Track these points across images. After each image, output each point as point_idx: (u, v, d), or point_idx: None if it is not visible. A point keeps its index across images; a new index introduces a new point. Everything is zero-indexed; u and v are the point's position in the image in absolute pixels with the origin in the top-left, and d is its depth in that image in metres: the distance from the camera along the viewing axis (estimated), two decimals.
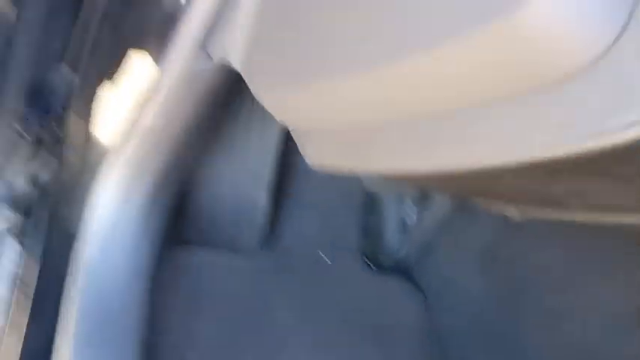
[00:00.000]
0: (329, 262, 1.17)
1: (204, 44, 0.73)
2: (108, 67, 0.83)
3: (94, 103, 0.86)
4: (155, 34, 0.76)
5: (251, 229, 1.10)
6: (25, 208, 0.90)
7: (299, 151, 0.65)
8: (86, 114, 0.87)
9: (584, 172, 0.42)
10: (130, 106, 0.80)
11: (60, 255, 0.86)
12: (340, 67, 0.51)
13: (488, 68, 0.39)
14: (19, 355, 0.82)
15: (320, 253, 1.20)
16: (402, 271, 1.28)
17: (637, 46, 0.33)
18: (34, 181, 0.90)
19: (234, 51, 0.70)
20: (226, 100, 0.86)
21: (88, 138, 0.88)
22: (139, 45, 0.79)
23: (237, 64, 0.70)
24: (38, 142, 0.88)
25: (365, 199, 1.28)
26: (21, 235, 0.89)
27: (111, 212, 0.83)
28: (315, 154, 0.62)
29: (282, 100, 0.62)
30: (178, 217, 0.98)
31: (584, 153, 0.36)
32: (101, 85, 0.85)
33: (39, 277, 0.87)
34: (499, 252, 1.15)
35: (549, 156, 0.38)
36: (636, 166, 0.39)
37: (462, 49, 0.39)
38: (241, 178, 1.06)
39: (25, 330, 0.84)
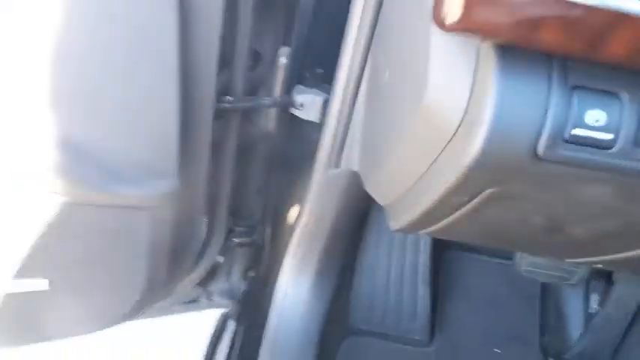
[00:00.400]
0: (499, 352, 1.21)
1: (336, 157, 0.99)
2: (284, 190, 1.16)
3: (278, 217, 1.19)
4: (308, 158, 1.06)
5: (413, 320, 1.23)
6: (239, 296, 1.22)
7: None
8: (275, 225, 1.20)
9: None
10: (296, 212, 1.09)
11: (259, 332, 1.14)
12: (387, 151, 0.73)
13: (425, 137, 0.60)
14: None
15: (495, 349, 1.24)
16: None
17: (477, 107, 0.52)
18: (245, 276, 1.23)
19: (354, 158, 0.96)
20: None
21: (276, 241, 1.19)
22: (297, 169, 1.10)
23: (356, 168, 0.95)
24: (247, 249, 1.22)
25: (539, 290, 1.30)
26: (235, 317, 1.21)
27: (286, 295, 1.10)
28: (394, 221, 0.81)
29: (370, 183, 0.84)
30: (341, 303, 1.19)
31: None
32: (282, 203, 1.17)
33: (243, 350, 1.15)
34: None
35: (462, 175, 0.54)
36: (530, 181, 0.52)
37: (413, 129, 0.61)
38: (400, 268, 1.23)
39: None
